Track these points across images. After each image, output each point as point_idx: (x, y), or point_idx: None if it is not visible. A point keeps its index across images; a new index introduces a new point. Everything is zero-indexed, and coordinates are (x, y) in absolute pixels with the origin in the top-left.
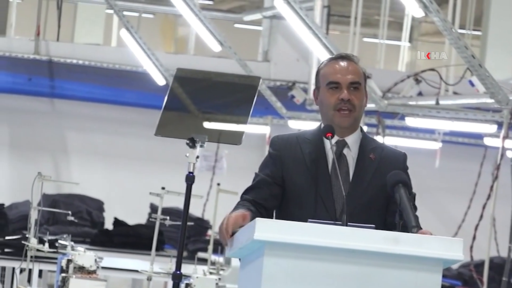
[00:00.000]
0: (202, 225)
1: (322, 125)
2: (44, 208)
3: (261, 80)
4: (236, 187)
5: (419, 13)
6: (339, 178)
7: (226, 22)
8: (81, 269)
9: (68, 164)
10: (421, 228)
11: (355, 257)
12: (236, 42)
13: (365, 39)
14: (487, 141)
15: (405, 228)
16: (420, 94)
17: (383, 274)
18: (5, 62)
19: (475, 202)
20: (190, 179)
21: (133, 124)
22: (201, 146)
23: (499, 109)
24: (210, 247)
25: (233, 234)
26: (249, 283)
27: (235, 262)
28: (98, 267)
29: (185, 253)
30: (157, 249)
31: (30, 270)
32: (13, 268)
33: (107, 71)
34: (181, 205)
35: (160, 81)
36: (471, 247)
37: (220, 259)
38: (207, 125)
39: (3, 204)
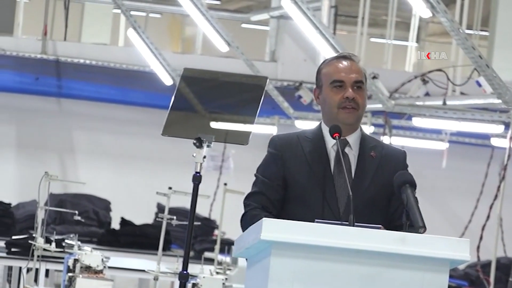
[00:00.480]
0: (209, 225)
1: (323, 124)
2: (51, 208)
3: (268, 80)
4: (243, 187)
5: (427, 13)
6: (346, 177)
7: (233, 22)
8: (87, 269)
9: (75, 164)
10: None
11: (362, 257)
12: (243, 42)
13: (372, 39)
14: (494, 141)
15: (412, 228)
16: (427, 94)
17: (390, 274)
18: (12, 61)
19: (482, 203)
20: (197, 179)
21: (140, 124)
22: (208, 146)
23: (506, 109)
24: (217, 247)
25: None
26: (256, 283)
27: (241, 262)
28: (104, 266)
29: (191, 253)
30: (163, 249)
31: (37, 270)
32: (20, 268)
33: (114, 71)
34: (188, 205)
35: (167, 81)
36: (478, 247)
37: (227, 259)
38: (214, 125)
39: (10, 204)
